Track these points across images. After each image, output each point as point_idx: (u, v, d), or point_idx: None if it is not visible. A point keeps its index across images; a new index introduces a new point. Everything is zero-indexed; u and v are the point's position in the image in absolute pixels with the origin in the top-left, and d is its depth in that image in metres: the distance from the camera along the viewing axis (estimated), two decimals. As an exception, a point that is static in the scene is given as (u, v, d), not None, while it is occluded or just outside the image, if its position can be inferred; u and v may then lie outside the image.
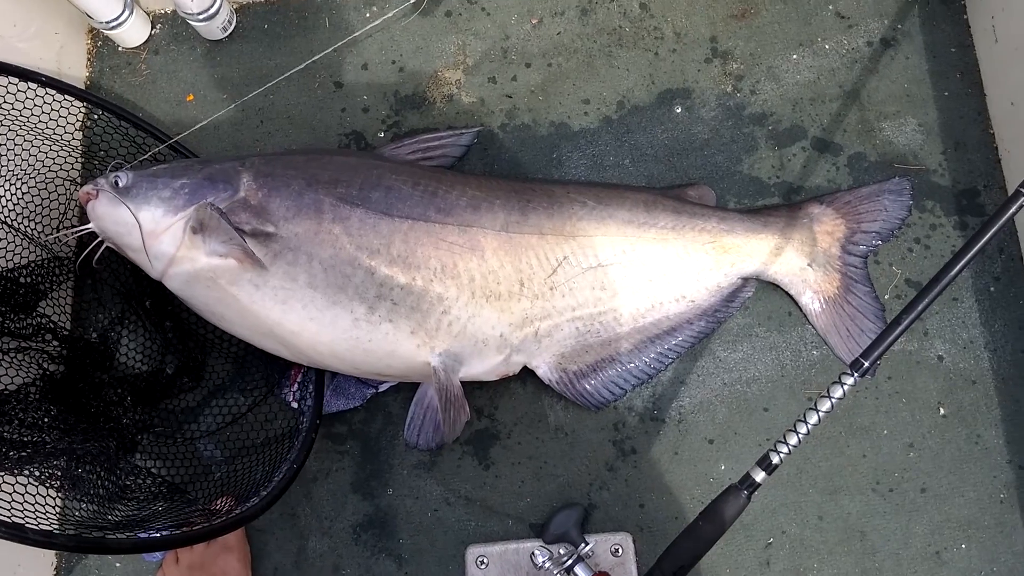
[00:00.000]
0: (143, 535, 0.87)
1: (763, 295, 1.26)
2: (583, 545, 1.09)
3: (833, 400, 0.92)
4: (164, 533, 0.89)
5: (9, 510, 0.84)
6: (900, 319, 0.95)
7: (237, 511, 0.98)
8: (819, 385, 1.22)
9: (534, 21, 1.40)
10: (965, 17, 1.36)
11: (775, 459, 0.93)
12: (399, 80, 1.39)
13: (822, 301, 1.23)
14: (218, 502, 1.09)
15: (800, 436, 0.92)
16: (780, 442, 0.93)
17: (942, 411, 1.21)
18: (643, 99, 1.36)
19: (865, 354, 0.93)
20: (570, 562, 1.04)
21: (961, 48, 1.35)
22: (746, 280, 1.23)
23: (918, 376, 1.22)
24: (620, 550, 1.14)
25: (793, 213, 1.23)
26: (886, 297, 1.24)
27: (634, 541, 1.16)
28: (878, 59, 1.35)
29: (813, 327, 1.24)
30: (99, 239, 1.12)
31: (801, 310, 1.24)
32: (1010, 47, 1.25)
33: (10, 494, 0.87)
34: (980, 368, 1.22)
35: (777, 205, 1.29)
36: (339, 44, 1.31)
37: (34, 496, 0.90)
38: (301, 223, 1.08)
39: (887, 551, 1.17)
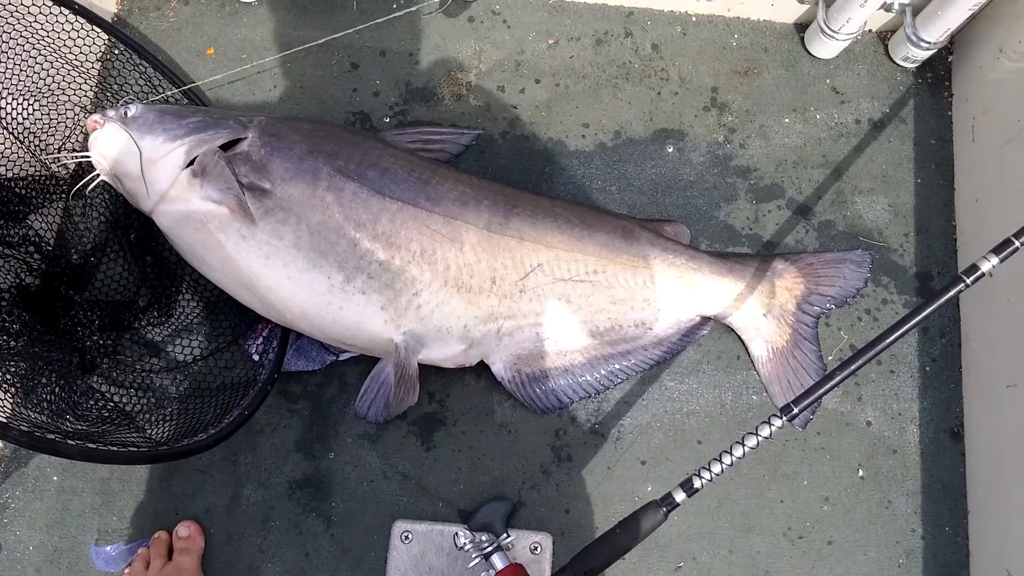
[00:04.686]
0: (91, 446, 0.91)
1: (717, 336, 1.33)
2: (505, 537, 1.14)
3: (760, 438, 0.99)
4: (113, 449, 0.93)
5: (-31, 400, 0.88)
6: (833, 375, 1.01)
7: (183, 443, 1.02)
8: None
9: (551, 41, 1.47)
10: (950, 114, 1.45)
11: (697, 483, 0.98)
12: (413, 72, 1.45)
13: (770, 351, 1.29)
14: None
15: (723, 466, 0.99)
16: (704, 468, 0.99)
17: (861, 473, 1.28)
18: (639, 133, 1.43)
19: (796, 401, 1.00)
20: (489, 549, 1.09)
21: (940, 141, 1.43)
22: (705, 319, 1.29)
23: (845, 436, 1.29)
24: (539, 548, 1.19)
25: (758, 264, 1.29)
26: (830, 358, 1.31)
27: (553, 543, 1.21)
28: (863, 137, 1.43)
29: (757, 373, 1.31)
30: (95, 171, 1.16)
31: (749, 356, 1.31)
32: (984, 148, 1.34)
33: (-28, 386, 0.91)
34: (903, 439, 1.30)
35: (745, 254, 1.36)
36: (362, 27, 1.36)
37: (-8, 392, 0.94)
38: (297, 186, 1.13)
39: (786, 593, 1.23)
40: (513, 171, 1.40)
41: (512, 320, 1.21)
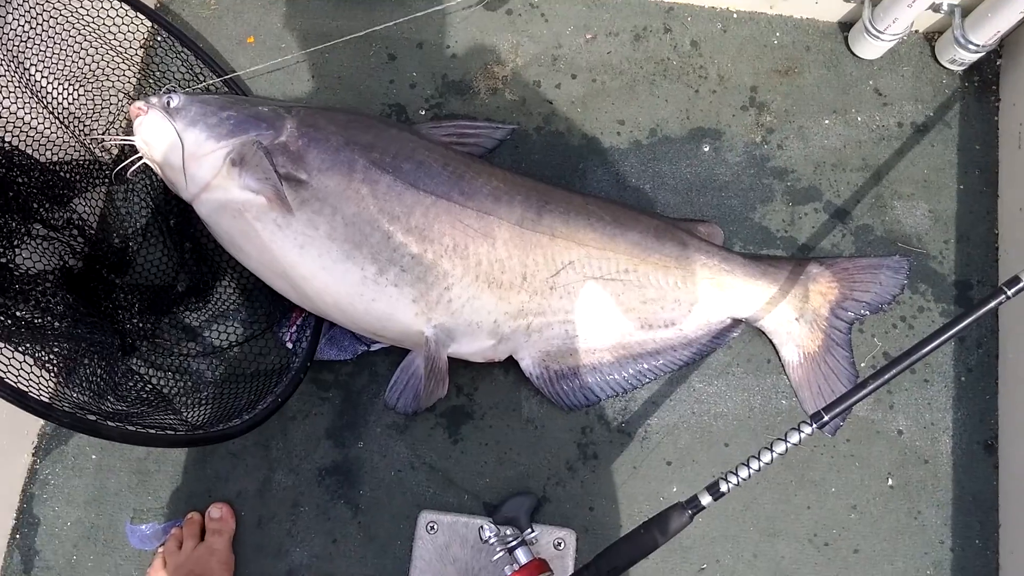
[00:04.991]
0: (131, 428, 0.93)
1: (747, 338, 1.32)
2: (529, 531, 1.15)
3: (788, 444, 0.98)
4: (151, 431, 0.95)
5: (16, 379, 0.90)
6: (866, 383, 0.99)
7: (218, 427, 1.04)
8: (781, 434, 1.27)
9: (588, 36, 1.46)
10: (996, 119, 1.41)
11: (723, 487, 0.98)
12: (450, 65, 1.45)
13: (801, 356, 1.28)
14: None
15: (750, 471, 0.98)
16: (731, 472, 0.98)
17: (890, 482, 1.27)
18: (675, 131, 1.42)
19: (827, 409, 0.99)
20: (514, 543, 1.10)
21: (985, 147, 1.40)
22: (736, 321, 1.28)
23: (875, 444, 1.28)
24: (562, 544, 1.20)
25: (793, 267, 1.28)
26: (862, 365, 1.30)
27: (577, 539, 1.22)
28: (905, 141, 1.41)
29: (787, 378, 1.29)
30: (138, 155, 1.19)
31: (780, 360, 1.30)
32: (1031, 156, 1.31)
33: (19, 364, 0.93)
34: (935, 450, 1.28)
35: (779, 257, 1.34)
36: (401, 20, 1.37)
37: (39, 374, 0.96)
38: (333, 177, 1.14)
39: (810, 600, 1.23)
40: (547, 167, 1.40)
41: (542, 317, 1.21)
